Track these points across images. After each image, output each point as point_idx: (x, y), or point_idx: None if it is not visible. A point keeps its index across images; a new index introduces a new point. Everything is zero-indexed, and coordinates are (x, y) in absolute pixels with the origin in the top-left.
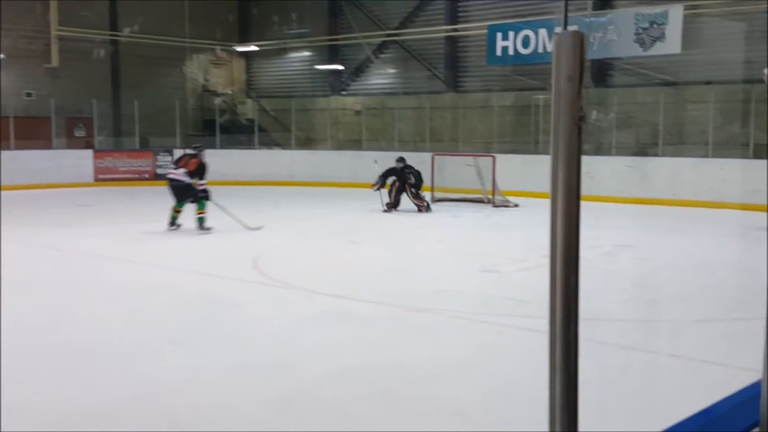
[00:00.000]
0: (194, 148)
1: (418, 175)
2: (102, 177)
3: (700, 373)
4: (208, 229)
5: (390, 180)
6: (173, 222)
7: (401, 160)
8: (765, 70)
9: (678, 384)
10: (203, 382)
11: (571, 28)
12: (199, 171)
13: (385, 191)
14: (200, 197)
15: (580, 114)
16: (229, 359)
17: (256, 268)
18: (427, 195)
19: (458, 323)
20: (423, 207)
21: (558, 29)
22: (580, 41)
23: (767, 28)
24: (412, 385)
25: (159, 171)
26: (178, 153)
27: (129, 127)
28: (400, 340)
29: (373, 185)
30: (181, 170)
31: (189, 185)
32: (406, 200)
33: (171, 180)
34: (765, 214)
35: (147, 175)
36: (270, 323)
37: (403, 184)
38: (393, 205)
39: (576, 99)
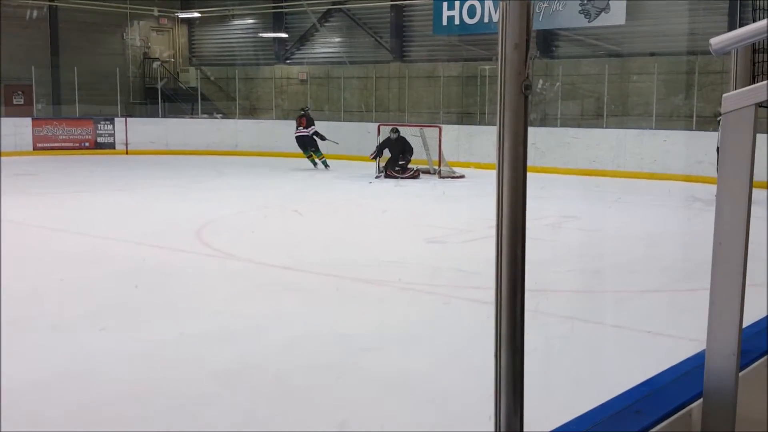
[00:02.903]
0: (302, 109)
1: (410, 150)
2: (41, 146)
3: (644, 343)
4: (328, 166)
5: (385, 152)
6: (315, 164)
7: (395, 131)
8: (712, 41)
9: (622, 354)
10: (145, 355)
11: None
12: (310, 122)
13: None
14: (316, 144)
15: (527, 83)
16: (171, 331)
17: (200, 239)
18: (372, 166)
19: (404, 294)
20: (411, 174)
21: None
22: (526, 9)
23: None
24: (356, 356)
25: (99, 140)
26: (119, 121)
27: (69, 95)
28: (345, 311)
29: (371, 155)
30: (302, 128)
31: (309, 137)
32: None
33: (298, 137)
34: (707, 185)
35: (87, 144)
36: (214, 295)
37: (396, 158)
38: (386, 175)
39: (522, 67)
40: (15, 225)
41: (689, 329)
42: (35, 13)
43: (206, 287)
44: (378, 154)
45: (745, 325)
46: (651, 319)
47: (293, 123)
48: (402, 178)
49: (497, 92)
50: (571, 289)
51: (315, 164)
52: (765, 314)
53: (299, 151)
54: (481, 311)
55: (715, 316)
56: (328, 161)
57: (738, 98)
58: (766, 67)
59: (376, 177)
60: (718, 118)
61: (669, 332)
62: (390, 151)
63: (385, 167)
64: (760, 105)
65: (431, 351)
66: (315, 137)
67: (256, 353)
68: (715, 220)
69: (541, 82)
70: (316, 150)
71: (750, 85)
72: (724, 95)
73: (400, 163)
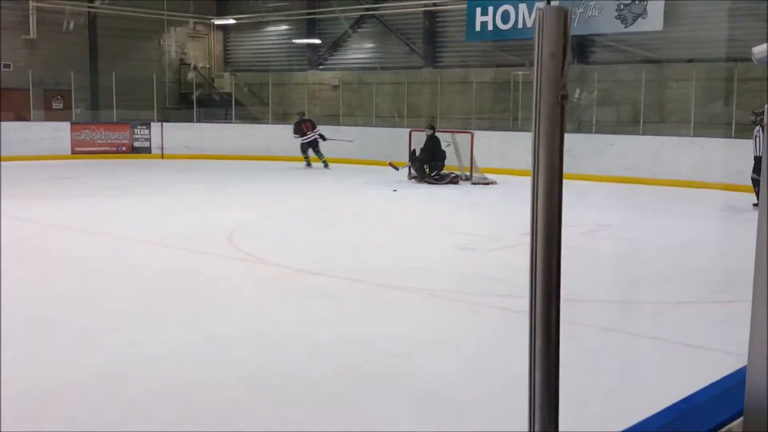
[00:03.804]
0: (300, 114)
1: (442, 153)
2: (79, 150)
3: (682, 356)
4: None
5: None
6: (309, 164)
7: (431, 127)
8: (754, 50)
9: (659, 368)
10: (174, 358)
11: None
12: (314, 126)
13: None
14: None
15: (563, 92)
16: (201, 334)
17: (231, 243)
18: (404, 171)
19: (432, 301)
20: (454, 180)
21: (540, 4)
22: (563, 17)
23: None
24: (384, 363)
25: (136, 144)
26: (155, 126)
27: (107, 100)
28: (373, 317)
29: (409, 159)
30: (310, 132)
31: (315, 140)
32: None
33: (306, 142)
34: (747, 194)
35: (124, 148)
36: (243, 299)
37: (429, 157)
38: (420, 177)
39: (559, 76)
40: (51, 227)
41: (728, 342)
42: (73, 22)
43: (236, 291)
44: (418, 155)
45: None
46: (689, 332)
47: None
48: (439, 184)
49: (533, 101)
50: (607, 299)
51: (309, 165)
52: None
53: (330, 156)
54: (511, 320)
55: (758, 331)
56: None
57: None
58: None
59: (410, 179)
60: (755, 126)
61: (707, 345)
62: (423, 150)
63: (419, 170)
64: None
65: (460, 359)
66: (319, 139)
67: (284, 358)
68: (758, 232)
69: (578, 91)
70: (319, 152)
71: None
72: (767, 105)
73: (435, 170)
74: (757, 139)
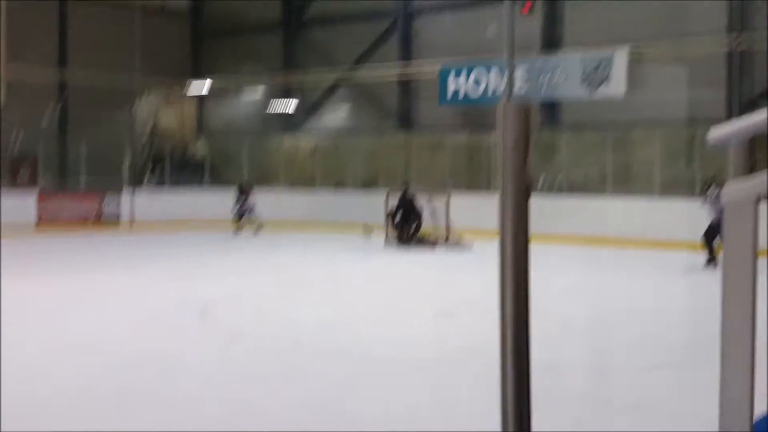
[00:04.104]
0: (244, 183)
1: (419, 211)
2: (46, 219)
3: (655, 422)
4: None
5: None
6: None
7: (406, 183)
8: (710, 134)
9: None
10: None
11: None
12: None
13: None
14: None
15: (527, 185)
16: (174, 420)
17: (203, 319)
18: (381, 235)
19: (412, 372)
20: (427, 243)
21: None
22: (525, 111)
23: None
24: None
25: (105, 213)
26: (125, 194)
27: (76, 168)
28: (354, 391)
29: (390, 217)
30: (251, 198)
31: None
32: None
33: (245, 210)
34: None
35: (93, 218)
36: (217, 380)
37: (407, 217)
38: (407, 240)
39: (522, 169)
40: (13, 305)
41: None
42: (45, 88)
43: (209, 372)
44: (395, 213)
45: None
46: (659, 396)
47: (302, 193)
48: (416, 245)
49: (499, 195)
50: (579, 365)
51: (240, 233)
52: None
53: (307, 219)
54: (492, 389)
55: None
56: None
57: (738, 190)
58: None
59: (387, 245)
60: (706, 193)
61: (679, 410)
62: (402, 208)
63: (398, 228)
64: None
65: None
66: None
67: None
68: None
69: (542, 177)
70: (252, 217)
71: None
72: (724, 188)
73: (414, 229)
74: (708, 205)
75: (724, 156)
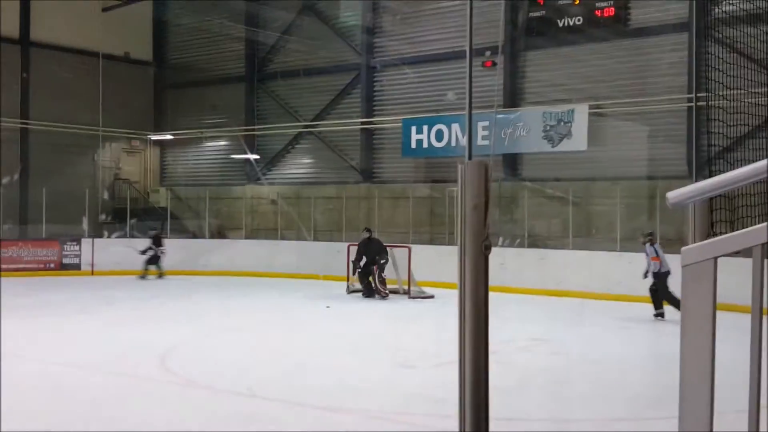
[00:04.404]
0: (155, 230)
1: (385, 251)
2: (5, 267)
3: None
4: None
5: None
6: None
7: (367, 230)
8: (668, 195)
9: None
10: None
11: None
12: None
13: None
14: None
15: (486, 243)
16: None
17: (162, 365)
18: (342, 285)
19: (372, 424)
20: (384, 293)
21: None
22: (484, 170)
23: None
24: None
25: (65, 260)
26: (86, 242)
27: (36, 215)
28: None
29: (354, 266)
30: (161, 247)
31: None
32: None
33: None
34: (673, 308)
35: (53, 265)
36: (174, 428)
37: (370, 264)
38: (368, 293)
39: (481, 227)
40: None
41: None
42: (6, 134)
43: (167, 419)
44: (359, 259)
45: None
46: None
47: (263, 243)
48: (382, 293)
49: (458, 251)
50: (541, 417)
51: (144, 277)
52: None
53: (269, 270)
54: None
55: None
56: None
57: (698, 252)
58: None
59: (350, 292)
60: (643, 241)
61: None
62: (365, 254)
63: (363, 273)
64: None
65: None
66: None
67: None
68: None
69: (500, 239)
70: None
71: (709, 235)
72: (683, 249)
73: (380, 274)
74: (648, 257)
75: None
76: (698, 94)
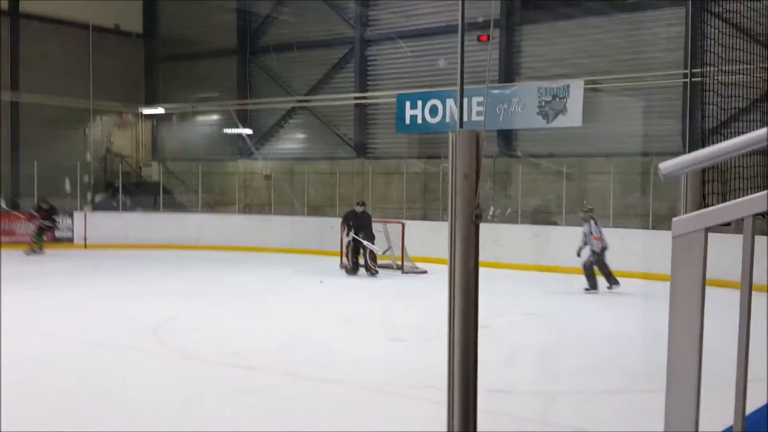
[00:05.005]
0: (45, 202)
1: (372, 233)
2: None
3: None
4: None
5: (348, 234)
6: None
7: (362, 203)
8: (660, 166)
9: None
10: None
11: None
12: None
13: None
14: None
15: (477, 212)
16: None
17: (157, 337)
18: (335, 261)
19: (363, 395)
20: (374, 270)
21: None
22: (476, 139)
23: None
24: None
25: (58, 234)
26: (78, 215)
27: (28, 189)
28: (303, 414)
29: (343, 233)
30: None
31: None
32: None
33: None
34: (665, 282)
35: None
36: (170, 398)
37: (362, 238)
38: (353, 269)
39: (472, 197)
40: None
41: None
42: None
43: (162, 391)
44: (349, 229)
45: None
46: (611, 422)
47: (256, 218)
48: (372, 269)
49: (449, 221)
50: (531, 389)
51: (36, 250)
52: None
53: (262, 245)
54: (443, 412)
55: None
56: None
57: (688, 222)
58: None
59: (345, 268)
60: (583, 216)
61: None
62: (354, 226)
63: (353, 249)
64: (709, 228)
65: None
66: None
67: None
68: (669, 340)
69: (491, 208)
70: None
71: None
72: (674, 219)
73: (370, 249)
74: (588, 235)
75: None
76: (694, 70)
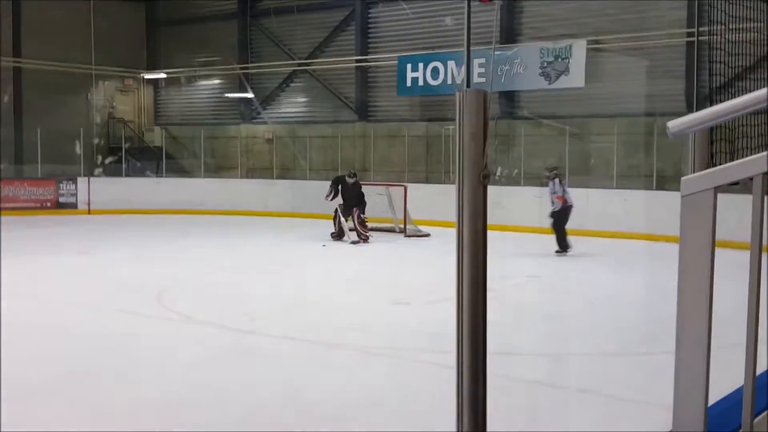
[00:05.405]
0: None
1: (361, 198)
2: (3, 206)
3: (610, 409)
4: None
5: (337, 199)
6: None
7: (353, 175)
8: (669, 124)
9: (588, 421)
10: (104, 425)
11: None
12: None
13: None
14: None
15: (485, 172)
16: (128, 400)
17: (161, 302)
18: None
19: (367, 358)
20: (365, 238)
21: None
22: (483, 99)
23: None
24: (318, 424)
25: (61, 200)
26: (81, 181)
27: (31, 155)
28: (307, 377)
29: (326, 197)
30: None
31: None
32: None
33: None
34: (669, 243)
35: (49, 204)
36: (173, 362)
37: (350, 207)
38: (339, 235)
39: (480, 157)
40: None
41: (652, 394)
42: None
43: (167, 354)
44: (334, 194)
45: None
46: (614, 384)
47: (259, 182)
48: (363, 235)
49: (456, 181)
50: (536, 352)
51: None
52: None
53: (265, 209)
54: (447, 375)
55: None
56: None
57: (697, 181)
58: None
59: (332, 234)
60: (548, 176)
61: (634, 397)
62: (343, 196)
63: (342, 215)
64: (718, 188)
65: (394, 418)
66: None
67: (216, 423)
68: (678, 301)
69: (499, 169)
70: None
71: (708, 166)
72: (683, 178)
73: (361, 216)
74: (552, 194)
75: (681, 147)
76: (700, 28)
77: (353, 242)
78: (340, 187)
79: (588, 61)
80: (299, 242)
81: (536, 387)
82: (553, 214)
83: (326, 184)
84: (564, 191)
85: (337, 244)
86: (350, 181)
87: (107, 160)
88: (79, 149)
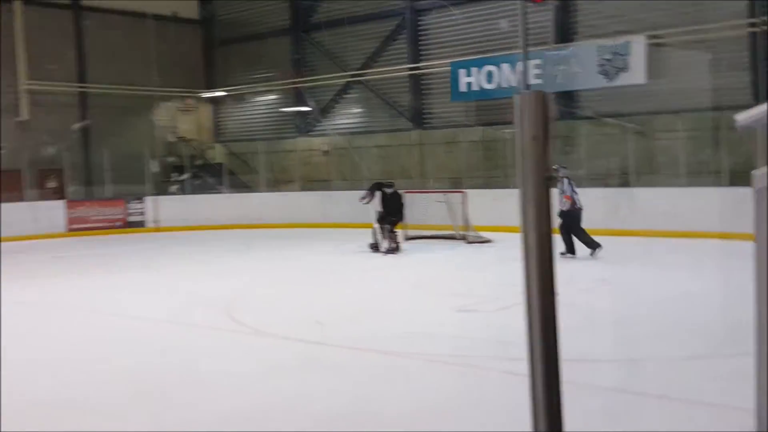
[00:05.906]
0: None
1: (400, 209)
2: (75, 227)
3: (689, 414)
4: None
5: (377, 206)
6: None
7: (391, 185)
8: (737, 117)
9: (668, 427)
10: None
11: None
12: None
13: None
14: None
15: (548, 174)
16: (199, 413)
17: (228, 315)
18: (399, 233)
19: (434, 368)
20: (394, 245)
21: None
22: (542, 100)
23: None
24: None
25: (131, 219)
26: (148, 200)
27: (99, 176)
28: (373, 387)
29: (362, 198)
30: None
31: None
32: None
33: None
34: (743, 242)
35: (119, 223)
36: (242, 373)
37: (388, 216)
38: (394, 249)
39: (542, 159)
40: (50, 307)
41: (733, 397)
42: (67, 99)
43: (235, 366)
44: (370, 197)
45: None
46: (694, 389)
47: (316, 194)
48: (391, 245)
49: (519, 185)
50: (610, 358)
51: None
52: None
53: (324, 221)
54: (517, 384)
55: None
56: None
57: None
58: None
59: (370, 245)
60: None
61: (713, 401)
62: (384, 206)
63: (380, 222)
64: None
65: (468, 427)
66: None
67: None
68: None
69: (563, 169)
70: None
71: None
72: (753, 172)
73: (392, 219)
74: (560, 194)
75: (750, 141)
76: (762, 17)
77: (386, 252)
78: (379, 194)
79: (648, 57)
80: (359, 252)
81: (611, 394)
82: (561, 214)
83: None
84: (573, 191)
85: (398, 254)
86: (388, 191)
87: (181, 177)
88: (151, 168)
